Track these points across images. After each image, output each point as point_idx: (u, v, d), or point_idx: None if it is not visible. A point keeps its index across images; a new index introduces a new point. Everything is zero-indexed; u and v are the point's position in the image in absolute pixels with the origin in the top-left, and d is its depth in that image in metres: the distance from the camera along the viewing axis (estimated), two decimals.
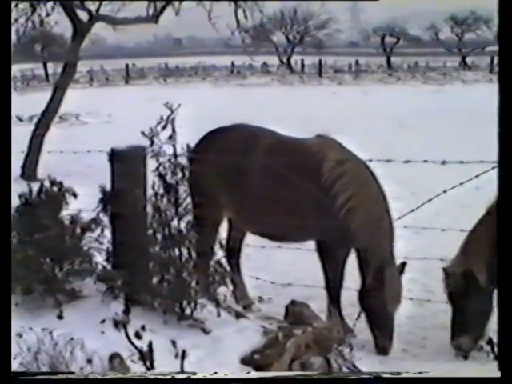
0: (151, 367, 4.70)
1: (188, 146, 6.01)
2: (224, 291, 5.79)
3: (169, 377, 4.41)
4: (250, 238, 7.37)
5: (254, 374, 4.74)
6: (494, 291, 6.44)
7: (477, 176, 6.14)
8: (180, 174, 5.78)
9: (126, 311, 5.42)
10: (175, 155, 5.77)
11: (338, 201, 6.52)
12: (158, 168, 5.79)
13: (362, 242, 6.51)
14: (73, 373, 4.64)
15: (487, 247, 6.22)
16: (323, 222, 6.50)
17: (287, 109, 27.43)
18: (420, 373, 4.36)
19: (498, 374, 4.11)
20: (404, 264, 6.54)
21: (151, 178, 5.90)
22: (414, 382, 4.35)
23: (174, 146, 5.75)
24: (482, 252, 6.25)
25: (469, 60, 70.44)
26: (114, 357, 4.81)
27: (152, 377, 4.42)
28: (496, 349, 6.02)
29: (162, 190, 5.77)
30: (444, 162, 6.26)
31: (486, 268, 6.24)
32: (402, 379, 4.35)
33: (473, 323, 6.30)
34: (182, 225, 5.74)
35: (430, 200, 6.41)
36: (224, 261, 6.00)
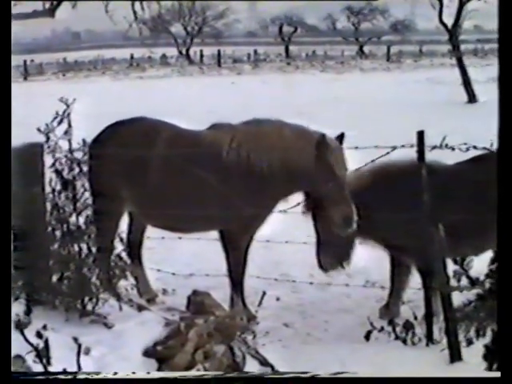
0: (48, 364, 4.65)
1: (84, 140, 5.96)
2: (125, 285, 5.78)
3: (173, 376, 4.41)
4: (151, 230, 7.35)
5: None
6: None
7: (372, 161, 6.30)
8: (77, 169, 5.73)
9: (28, 312, 5.35)
10: (71, 150, 5.72)
11: None
12: (54, 164, 5.72)
13: None
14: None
15: None
16: (228, 211, 6.52)
17: (187, 100, 27.34)
18: (337, 373, 4.40)
19: (497, 374, 4.19)
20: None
21: (49, 174, 5.82)
22: (414, 382, 4.40)
23: (69, 141, 5.69)
24: None
25: (366, 49, 71.58)
26: (15, 359, 4.75)
27: (156, 376, 4.42)
28: (397, 329, 6.17)
29: (59, 187, 5.70)
30: None
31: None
32: (402, 379, 4.39)
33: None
34: (81, 220, 5.70)
35: None
36: (124, 254, 5.97)
